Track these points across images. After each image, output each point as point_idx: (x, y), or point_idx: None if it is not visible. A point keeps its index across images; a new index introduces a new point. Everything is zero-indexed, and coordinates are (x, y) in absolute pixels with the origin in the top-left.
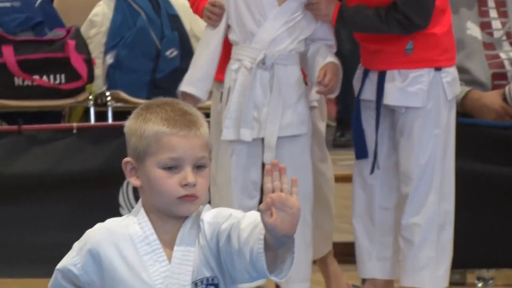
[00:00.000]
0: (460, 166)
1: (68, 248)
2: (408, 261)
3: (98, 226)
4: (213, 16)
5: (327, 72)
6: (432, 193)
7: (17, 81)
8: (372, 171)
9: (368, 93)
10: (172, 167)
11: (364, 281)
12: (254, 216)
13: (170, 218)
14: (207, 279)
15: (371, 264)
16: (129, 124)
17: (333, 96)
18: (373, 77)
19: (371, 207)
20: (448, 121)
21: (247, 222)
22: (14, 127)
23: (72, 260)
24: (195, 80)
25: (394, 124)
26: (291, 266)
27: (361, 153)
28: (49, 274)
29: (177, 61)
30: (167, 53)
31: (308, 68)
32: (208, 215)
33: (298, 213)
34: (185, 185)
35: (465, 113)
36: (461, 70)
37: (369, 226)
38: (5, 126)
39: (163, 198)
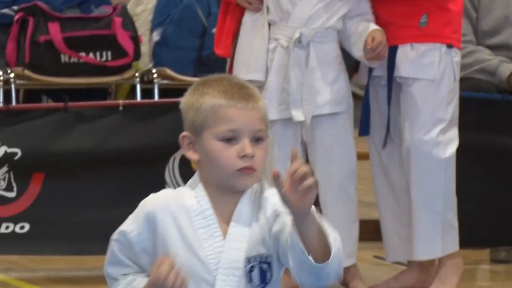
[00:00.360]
0: (507, 144)
1: (114, 225)
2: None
3: (154, 195)
4: (253, 0)
5: (374, 37)
6: (436, 167)
7: (64, 58)
8: (384, 145)
9: (378, 69)
10: (230, 139)
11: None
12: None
13: (227, 193)
14: (261, 257)
15: (400, 246)
16: (185, 99)
17: (377, 64)
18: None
19: (392, 188)
20: (453, 101)
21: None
22: (61, 104)
23: (127, 227)
24: (260, 67)
25: (400, 99)
26: (338, 248)
27: (364, 130)
28: (95, 252)
29: None
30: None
31: (351, 45)
32: (273, 196)
33: (311, 190)
34: (243, 156)
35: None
36: (508, 48)
37: (394, 206)
38: (51, 103)
39: (221, 170)
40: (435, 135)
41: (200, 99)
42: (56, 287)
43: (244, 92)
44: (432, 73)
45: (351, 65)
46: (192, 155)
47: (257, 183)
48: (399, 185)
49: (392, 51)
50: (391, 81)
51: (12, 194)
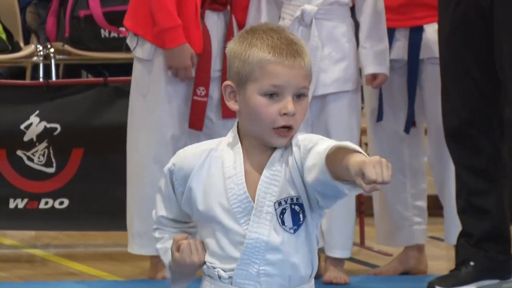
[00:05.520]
0: None
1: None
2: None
3: (191, 147)
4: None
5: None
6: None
7: (104, 33)
8: (408, 130)
9: (394, 52)
10: (273, 95)
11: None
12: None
13: (262, 145)
14: (291, 199)
15: (408, 231)
16: (233, 46)
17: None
18: (399, 35)
19: (403, 175)
20: None
21: (318, 150)
22: (100, 79)
23: (169, 165)
24: None
25: (426, 81)
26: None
27: (380, 116)
28: None
29: None
30: None
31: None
32: (298, 138)
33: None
34: (284, 114)
35: None
36: None
37: (402, 192)
38: (91, 79)
39: (259, 126)
40: None
41: (248, 50)
42: (95, 263)
43: (293, 49)
44: None
45: None
46: (233, 105)
47: None
48: (412, 171)
49: (414, 32)
50: (416, 64)
51: (51, 170)
